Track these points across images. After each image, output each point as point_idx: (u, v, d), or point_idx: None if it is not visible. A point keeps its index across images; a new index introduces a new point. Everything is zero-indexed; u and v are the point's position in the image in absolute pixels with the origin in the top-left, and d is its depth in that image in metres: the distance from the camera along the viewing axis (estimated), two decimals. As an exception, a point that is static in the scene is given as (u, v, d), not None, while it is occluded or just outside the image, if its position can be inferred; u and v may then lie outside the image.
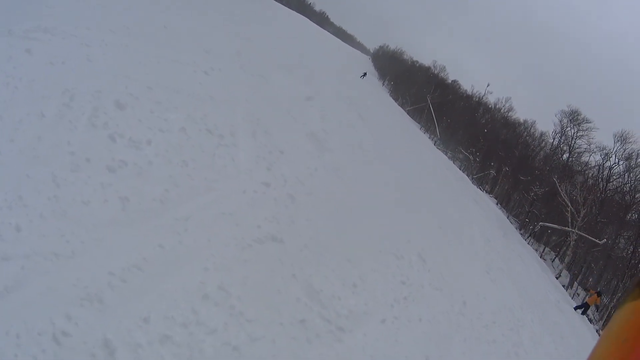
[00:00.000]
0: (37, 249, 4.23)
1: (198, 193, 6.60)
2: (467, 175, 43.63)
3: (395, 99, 62.81)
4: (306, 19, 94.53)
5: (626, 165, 44.79)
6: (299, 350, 5.05)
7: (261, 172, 8.49)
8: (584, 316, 24.65)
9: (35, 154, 5.40)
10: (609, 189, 44.49)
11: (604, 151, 46.99)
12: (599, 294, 24.97)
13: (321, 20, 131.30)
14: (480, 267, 13.78)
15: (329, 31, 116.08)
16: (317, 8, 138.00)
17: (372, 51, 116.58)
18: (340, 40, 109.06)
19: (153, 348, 3.98)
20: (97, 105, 7.08)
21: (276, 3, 74.00)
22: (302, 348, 5.11)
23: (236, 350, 4.49)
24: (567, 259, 36.61)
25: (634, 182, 43.16)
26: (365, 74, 52.82)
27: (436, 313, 8.25)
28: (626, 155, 44.90)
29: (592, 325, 27.23)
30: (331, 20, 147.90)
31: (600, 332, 28.10)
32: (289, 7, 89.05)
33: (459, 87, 74.87)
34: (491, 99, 67.89)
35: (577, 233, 34.99)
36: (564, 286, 32.42)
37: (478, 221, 21.41)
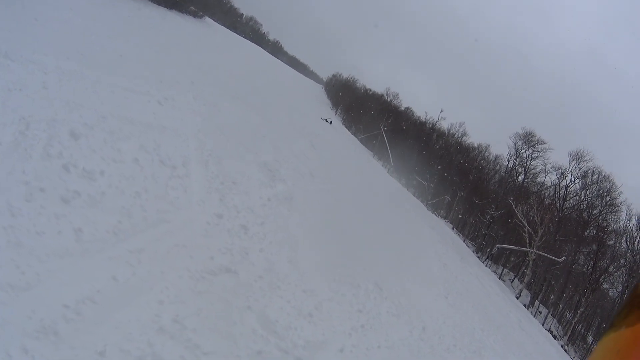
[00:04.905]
0: (-8, 280, 4.15)
1: (151, 224, 6.54)
2: (422, 202, 44.07)
3: (349, 128, 63.19)
4: (260, 48, 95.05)
5: (582, 183, 46.41)
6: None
7: (214, 203, 8.47)
8: (548, 333, 24.98)
9: (-10, 183, 5.30)
10: (566, 207, 45.83)
11: (560, 170, 48.59)
12: None
13: (275, 49, 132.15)
14: (439, 292, 13.95)
15: (282, 60, 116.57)
16: (272, 37, 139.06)
17: (325, 80, 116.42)
18: (294, 70, 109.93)
19: (108, 382, 3.92)
20: (52, 134, 6.97)
21: (231, 32, 74.26)
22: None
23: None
24: (526, 279, 37.29)
25: (591, 199, 44.74)
26: (331, 122, 46.51)
27: (395, 340, 8.32)
28: (582, 173, 46.50)
29: (556, 342, 27.74)
30: (285, 49, 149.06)
31: (566, 347, 28.75)
32: (244, 37, 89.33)
33: (412, 114, 75.62)
34: (445, 125, 68.56)
35: (535, 252, 35.71)
36: (525, 305, 33.01)
37: (434, 246, 21.69)
